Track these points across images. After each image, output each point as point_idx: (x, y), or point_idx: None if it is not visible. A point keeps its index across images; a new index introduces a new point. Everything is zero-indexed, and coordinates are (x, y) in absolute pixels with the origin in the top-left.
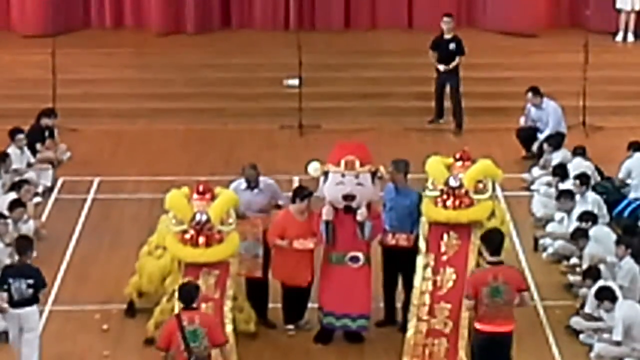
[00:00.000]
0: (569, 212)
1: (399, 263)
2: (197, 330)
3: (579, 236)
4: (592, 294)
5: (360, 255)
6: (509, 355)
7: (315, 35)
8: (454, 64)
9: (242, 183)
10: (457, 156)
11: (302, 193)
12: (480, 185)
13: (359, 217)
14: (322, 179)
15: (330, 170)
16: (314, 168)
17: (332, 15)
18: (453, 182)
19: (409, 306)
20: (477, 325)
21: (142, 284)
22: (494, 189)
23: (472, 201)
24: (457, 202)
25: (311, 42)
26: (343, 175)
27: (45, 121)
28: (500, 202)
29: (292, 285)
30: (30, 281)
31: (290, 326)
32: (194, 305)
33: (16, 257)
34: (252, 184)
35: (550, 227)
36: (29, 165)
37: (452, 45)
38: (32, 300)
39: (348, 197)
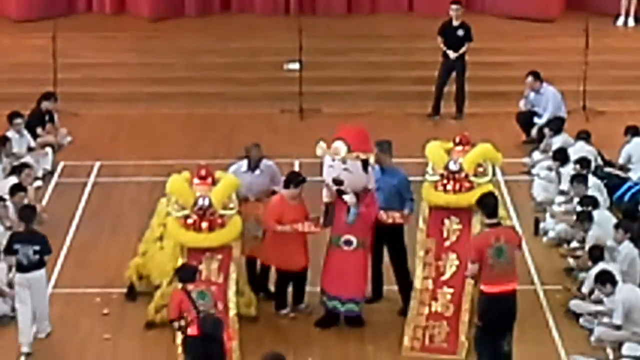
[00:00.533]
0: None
1: (386, 239)
2: (204, 291)
3: (584, 219)
4: (592, 274)
5: (352, 238)
6: (515, 313)
7: (316, 20)
8: (463, 49)
9: (242, 165)
10: (457, 140)
11: (296, 179)
12: (480, 169)
13: (347, 200)
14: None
15: (325, 154)
16: (319, 147)
17: (334, 1)
18: (453, 166)
19: (405, 288)
20: (484, 288)
21: (151, 273)
22: (494, 173)
23: (472, 185)
24: (457, 186)
25: (312, 26)
26: (333, 160)
27: (45, 105)
28: (499, 186)
29: (286, 270)
30: (37, 247)
31: (284, 311)
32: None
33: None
34: (253, 165)
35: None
36: (30, 149)
37: (460, 32)
38: (39, 265)
39: (337, 182)
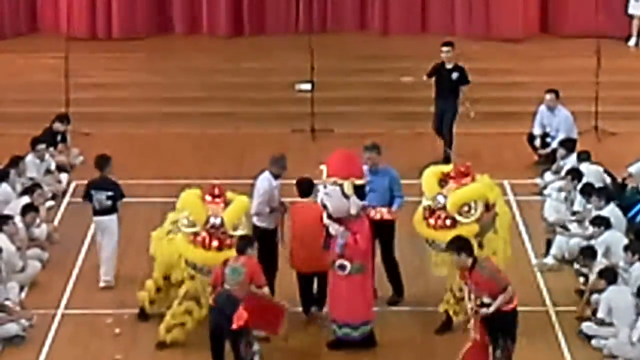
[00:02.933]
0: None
1: (379, 234)
2: (238, 267)
3: (587, 255)
4: (604, 298)
5: (346, 263)
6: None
7: (328, 40)
8: (460, 95)
9: (269, 179)
10: (452, 174)
11: (308, 188)
12: (465, 209)
13: (330, 229)
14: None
15: (326, 184)
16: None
17: (345, 19)
18: (439, 201)
19: (395, 277)
20: (511, 305)
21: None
22: (487, 209)
23: (455, 223)
24: (438, 222)
25: (323, 47)
26: (325, 186)
27: (57, 126)
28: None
29: (308, 273)
30: (110, 193)
31: (313, 309)
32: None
33: (27, 261)
34: (280, 175)
35: (557, 241)
36: (48, 171)
37: (454, 75)
38: (111, 210)
39: (322, 206)
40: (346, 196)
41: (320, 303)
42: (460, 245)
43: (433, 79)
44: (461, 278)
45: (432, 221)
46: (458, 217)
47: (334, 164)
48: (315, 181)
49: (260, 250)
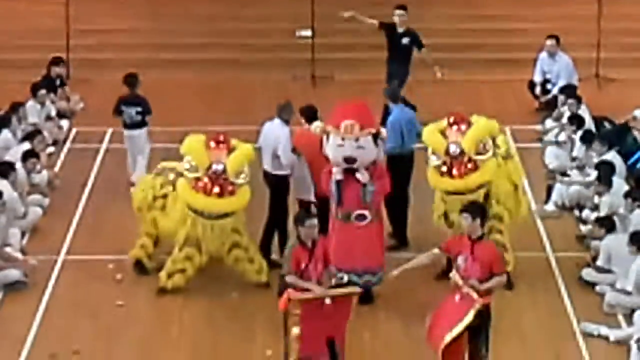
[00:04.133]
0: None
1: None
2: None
3: (604, 182)
4: (603, 245)
5: (366, 213)
6: None
7: None
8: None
9: (282, 125)
10: (451, 120)
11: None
12: (481, 147)
13: (361, 179)
14: (324, 138)
15: (331, 133)
16: (315, 125)
17: None
18: (454, 149)
19: (405, 222)
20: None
21: (160, 237)
22: (495, 145)
23: (477, 164)
24: (462, 170)
25: None
26: (343, 139)
27: (56, 70)
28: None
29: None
30: (139, 108)
31: None
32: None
33: (28, 207)
34: (290, 120)
35: (556, 189)
36: (49, 118)
37: (405, 40)
38: (140, 124)
39: (349, 160)
40: (376, 143)
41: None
42: (477, 209)
43: (386, 40)
44: (450, 251)
45: (455, 171)
46: (477, 157)
47: (362, 116)
48: (337, 136)
49: (275, 197)
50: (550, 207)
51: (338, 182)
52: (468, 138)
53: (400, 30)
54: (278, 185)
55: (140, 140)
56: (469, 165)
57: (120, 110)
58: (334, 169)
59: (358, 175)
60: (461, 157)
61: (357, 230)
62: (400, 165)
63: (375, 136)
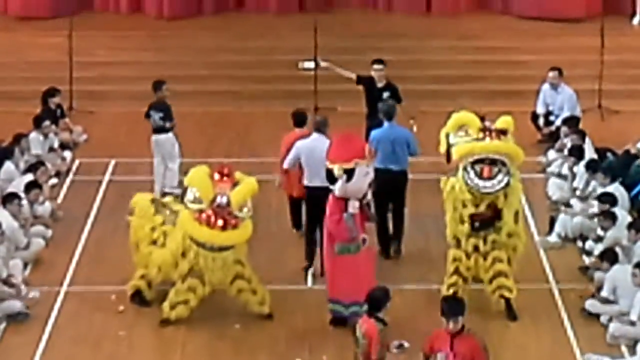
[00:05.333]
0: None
1: (389, 191)
2: (359, 337)
3: (608, 217)
4: (608, 277)
5: (366, 236)
6: None
7: (331, 18)
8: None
9: (323, 138)
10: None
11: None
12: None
13: (365, 200)
14: (343, 178)
15: (358, 166)
16: (337, 169)
17: None
18: (488, 124)
19: (401, 232)
20: None
21: (151, 276)
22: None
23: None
24: (495, 137)
25: (327, 25)
26: (368, 165)
27: (54, 101)
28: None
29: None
30: (161, 114)
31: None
32: (380, 314)
33: (31, 239)
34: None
35: (560, 219)
36: (52, 149)
37: (385, 95)
38: (163, 129)
39: (370, 184)
40: None
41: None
42: (458, 309)
43: (364, 94)
44: (433, 349)
45: (489, 139)
46: (504, 137)
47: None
48: (363, 166)
49: (317, 209)
50: (553, 238)
51: (354, 216)
52: (502, 120)
53: (379, 85)
54: (321, 197)
55: (166, 146)
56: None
57: (149, 114)
58: (352, 204)
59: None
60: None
61: (362, 257)
62: (389, 182)
63: None
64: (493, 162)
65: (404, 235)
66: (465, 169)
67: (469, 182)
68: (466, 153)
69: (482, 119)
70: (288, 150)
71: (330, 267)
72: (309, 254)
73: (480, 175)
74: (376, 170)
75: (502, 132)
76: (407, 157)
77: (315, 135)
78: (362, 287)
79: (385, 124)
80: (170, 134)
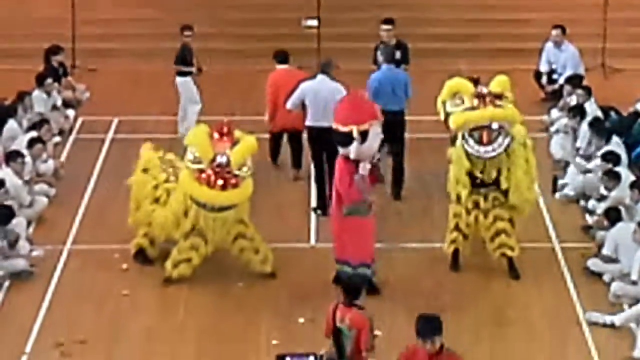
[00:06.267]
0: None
1: (390, 132)
2: (343, 329)
3: (612, 177)
4: (610, 235)
5: (373, 199)
6: None
7: None
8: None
9: (328, 79)
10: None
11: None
12: (505, 96)
13: (374, 160)
14: (358, 140)
15: (372, 127)
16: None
17: None
18: (481, 91)
19: (402, 175)
20: None
21: (154, 235)
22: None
23: (503, 106)
24: (490, 102)
25: None
26: (379, 125)
27: (57, 59)
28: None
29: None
30: (175, 58)
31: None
32: (357, 302)
33: (35, 197)
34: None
35: (570, 172)
36: (54, 108)
37: (397, 54)
38: (178, 72)
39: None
40: None
41: (298, 162)
42: (435, 328)
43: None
44: None
45: (488, 105)
46: (501, 102)
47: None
48: (373, 127)
49: (322, 150)
50: (564, 192)
51: (364, 177)
52: (494, 84)
53: (390, 44)
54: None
55: (183, 89)
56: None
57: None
58: (362, 165)
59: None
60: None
61: (370, 221)
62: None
63: None
64: (491, 126)
65: (404, 180)
66: (463, 137)
67: (469, 150)
68: (462, 124)
69: (477, 81)
70: (272, 87)
71: (338, 229)
72: (320, 202)
73: (480, 141)
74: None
75: (497, 97)
76: (405, 98)
77: (320, 76)
78: (370, 249)
79: (384, 66)
80: (186, 78)
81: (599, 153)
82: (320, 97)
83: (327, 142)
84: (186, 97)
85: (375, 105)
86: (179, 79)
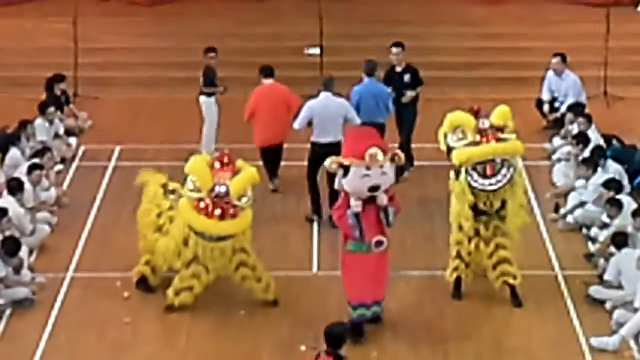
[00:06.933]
0: (587, 180)
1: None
2: None
3: (614, 205)
4: (613, 261)
5: (383, 238)
6: None
7: (337, 4)
8: (411, 93)
9: (332, 95)
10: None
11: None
12: (507, 128)
13: (381, 202)
14: (340, 172)
15: (353, 165)
16: (330, 162)
17: None
18: (483, 125)
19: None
20: None
21: (156, 263)
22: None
23: (506, 139)
24: (494, 137)
25: (332, 11)
26: (368, 168)
27: (60, 87)
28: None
29: (270, 146)
30: (202, 78)
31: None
32: (340, 352)
33: (37, 225)
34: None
35: (571, 198)
36: (57, 136)
37: (406, 77)
38: (201, 92)
39: (374, 188)
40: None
41: (275, 174)
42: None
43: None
44: None
45: (488, 140)
46: (504, 135)
47: (380, 142)
48: (361, 167)
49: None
50: (566, 221)
51: (357, 215)
52: (496, 115)
53: (398, 69)
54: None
55: (204, 108)
56: (500, 136)
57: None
58: (353, 202)
59: (379, 199)
60: (492, 130)
61: (377, 259)
62: None
63: (392, 159)
64: (494, 159)
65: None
66: (467, 171)
67: (473, 184)
68: (465, 160)
69: (477, 112)
70: (255, 101)
71: (343, 266)
72: (315, 208)
73: (483, 175)
74: (363, 123)
75: (499, 129)
76: (387, 111)
77: (323, 94)
78: (380, 286)
79: (366, 79)
80: (210, 98)
81: (592, 180)
82: (327, 113)
83: (330, 156)
84: (206, 116)
85: (366, 146)
86: (202, 98)
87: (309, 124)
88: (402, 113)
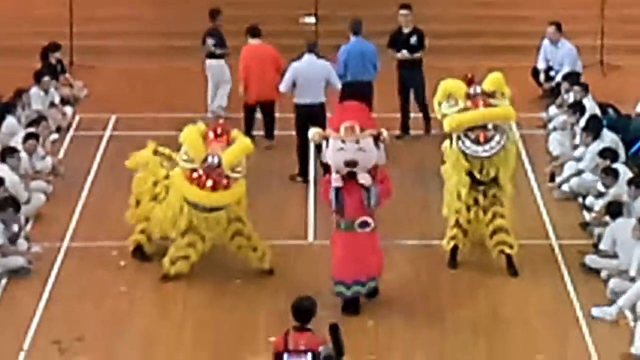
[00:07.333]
0: (587, 146)
1: (409, 77)
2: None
3: (610, 174)
4: (608, 230)
5: (369, 220)
6: None
7: None
8: (416, 55)
9: (316, 58)
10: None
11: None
12: (499, 94)
13: (362, 182)
14: (323, 144)
15: (330, 138)
16: (312, 133)
17: None
18: (475, 91)
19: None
20: None
21: (152, 231)
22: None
23: (496, 105)
24: (485, 103)
25: None
26: (343, 142)
27: (55, 56)
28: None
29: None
30: (214, 41)
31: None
32: (308, 325)
33: (33, 194)
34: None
35: (568, 167)
36: (52, 105)
37: (413, 40)
38: (214, 55)
39: (350, 163)
40: (377, 146)
41: (270, 133)
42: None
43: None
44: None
45: (481, 106)
46: (494, 101)
47: (362, 117)
48: (337, 140)
49: (307, 126)
50: (562, 190)
51: (337, 190)
52: (487, 82)
53: (406, 30)
54: (322, 113)
55: (217, 71)
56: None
57: (205, 40)
58: (333, 176)
59: (360, 178)
60: (483, 96)
61: (359, 239)
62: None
63: (377, 138)
64: (486, 126)
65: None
66: (459, 138)
67: (466, 150)
68: (455, 126)
69: (471, 80)
70: (245, 61)
71: (331, 241)
72: (301, 169)
73: (476, 141)
74: (348, 83)
75: (490, 95)
76: (374, 69)
77: (307, 56)
78: (363, 267)
79: (352, 38)
80: (221, 60)
81: (590, 149)
82: (310, 75)
83: (314, 117)
84: (217, 78)
85: (343, 119)
86: (214, 62)
87: (294, 84)
88: (407, 78)
